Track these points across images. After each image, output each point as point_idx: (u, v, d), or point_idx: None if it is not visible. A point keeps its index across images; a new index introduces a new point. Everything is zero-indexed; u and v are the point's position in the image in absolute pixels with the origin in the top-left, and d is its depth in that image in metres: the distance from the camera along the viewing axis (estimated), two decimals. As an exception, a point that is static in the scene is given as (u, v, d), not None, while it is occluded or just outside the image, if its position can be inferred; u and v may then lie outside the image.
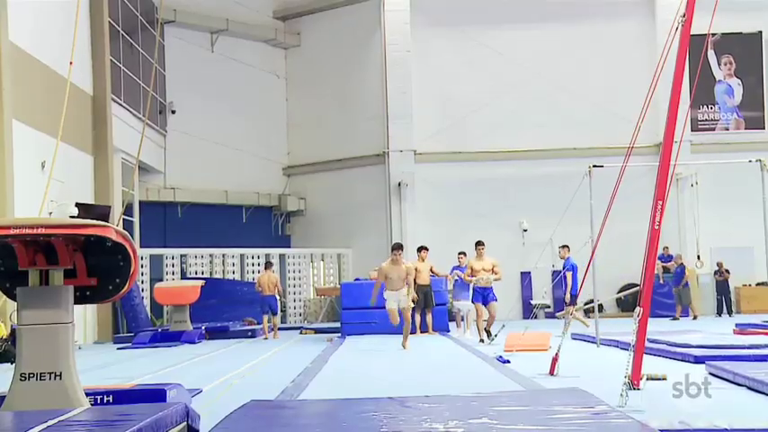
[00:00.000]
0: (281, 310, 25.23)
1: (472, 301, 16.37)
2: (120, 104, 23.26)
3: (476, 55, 27.93)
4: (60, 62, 17.13)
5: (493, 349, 13.79)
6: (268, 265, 22.16)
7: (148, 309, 23.76)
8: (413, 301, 19.81)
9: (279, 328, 22.69)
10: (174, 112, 28.30)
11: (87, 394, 6.41)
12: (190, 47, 28.59)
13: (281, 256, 27.57)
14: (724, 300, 26.11)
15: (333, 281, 28.06)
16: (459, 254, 19.41)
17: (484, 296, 15.85)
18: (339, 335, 19.86)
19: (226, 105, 29.03)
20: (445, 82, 27.89)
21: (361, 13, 28.88)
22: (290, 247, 29.58)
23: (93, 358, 15.14)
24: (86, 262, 6.34)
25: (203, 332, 20.18)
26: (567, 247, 18.14)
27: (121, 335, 21.34)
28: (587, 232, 14.25)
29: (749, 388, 7.94)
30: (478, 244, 16.08)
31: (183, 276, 25.27)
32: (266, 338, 20.88)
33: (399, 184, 27.47)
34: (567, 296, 17.79)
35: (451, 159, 27.58)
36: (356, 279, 23.88)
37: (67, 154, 19.12)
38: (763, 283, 25.66)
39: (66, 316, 6.21)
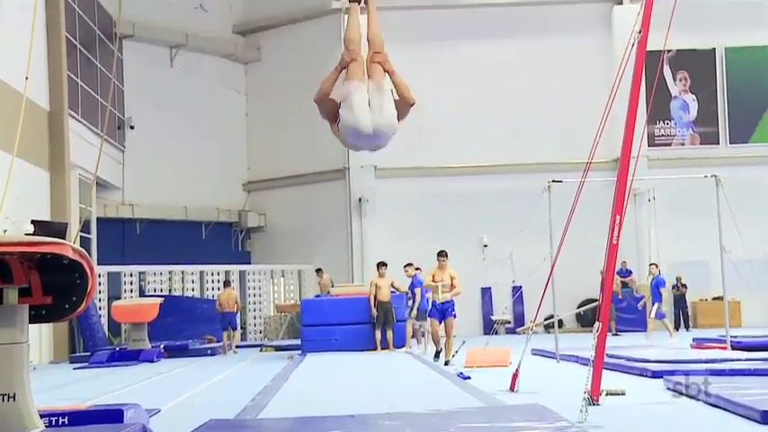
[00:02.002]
0: (241, 327, 25.08)
1: (428, 316, 15.51)
2: (78, 120, 23.02)
3: (437, 70, 28.04)
4: (16, 77, 16.92)
5: (453, 366, 13.80)
6: (227, 283, 22.18)
7: (106, 327, 23.46)
8: (373, 318, 19.91)
9: (239, 346, 22.65)
10: (132, 127, 28.06)
11: (42, 416, 6.30)
12: (149, 61, 28.39)
13: (241, 273, 27.40)
14: (681, 314, 26.39)
15: (293, 297, 27.94)
16: (416, 269, 19.13)
17: (442, 311, 14.72)
18: (300, 352, 19.77)
19: (185, 120, 28.86)
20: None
21: (321, 27, 28.87)
22: (250, 263, 29.40)
23: (49, 378, 14.93)
24: (42, 280, 6.24)
25: (162, 351, 19.95)
26: (412, 264, 19.18)
27: (78, 354, 21.04)
28: (547, 247, 14.34)
29: (706, 402, 8.02)
30: (440, 254, 14.99)
31: (142, 294, 24.99)
32: (225, 354, 20.87)
33: (360, 200, 27.48)
34: (414, 311, 18.62)
35: (412, 174, 27.65)
36: (317, 296, 23.79)
37: (23, 170, 18.89)
38: (719, 298, 25.95)
39: (21, 336, 6.11)
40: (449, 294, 14.62)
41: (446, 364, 14.24)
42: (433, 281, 14.79)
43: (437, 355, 14.95)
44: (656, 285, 19.84)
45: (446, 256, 14.91)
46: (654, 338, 19.36)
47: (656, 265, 20.03)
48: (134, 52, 27.93)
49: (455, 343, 14.87)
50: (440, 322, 14.74)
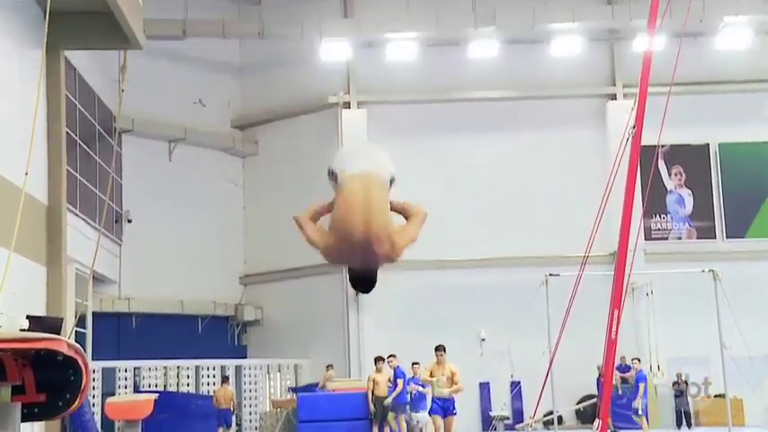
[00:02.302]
0: (237, 423, 24.72)
1: (429, 414, 15.06)
2: (76, 214, 23.08)
3: (433, 163, 28.29)
4: (15, 172, 17.03)
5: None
6: (225, 379, 22.09)
7: (99, 424, 23.10)
8: (371, 413, 19.65)
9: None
10: (130, 221, 28.14)
11: None
12: (147, 155, 28.63)
13: (237, 368, 27.13)
14: (683, 411, 26.02)
15: (289, 393, 27.61)
16: (414, 364, 19.09)
17: (444, 408, 14.45)
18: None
19: (183, 213, 28.95)
20: (401, 190, 27.92)
21: (318, 121, 29.23)
22: (246, 357, 29.14)
23: (40, 476, 14.63)
24: (36, 377, 6.18)
25: (155, 449, 19.65)
26: (395, 356, 19.54)
27: (70, 451, 20.67)
28: (545, 341, 14.27)
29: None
30: (438, 349, 14.64)
31: (136, 389, 24.69)
32: None
33: (357, 294, 27.39)
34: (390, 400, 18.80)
35: (409, 268, 27.48)
36: (313, 386, 23.53)
37: (20, 265, 18.83)
38: (720, 395, 25.62)
39: (13, 435, 6.02)
40: (447, 391, 14.33)
41: None
42: (430, 376, 14.56)
43: None
44: (637, 380, 19.68)
45: (444, 350, 14.59)
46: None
47: (639, 360, 19.86)
48: (133, 146, 28.20)
49: None
50: (442, 417, 14.40)
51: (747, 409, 25.51)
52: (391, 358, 19.32)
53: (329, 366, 24.70)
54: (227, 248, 30.00)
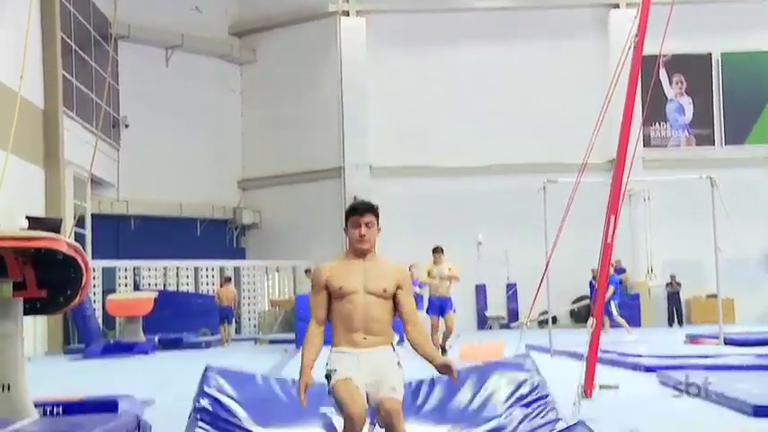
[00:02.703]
0: (236, 321, 25.11)
1: (426, 313, 14.59)
2: (73, 118, 23.00)
3: (432, 71, 28.09)
4: (11, 76, 16.94)
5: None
6: (228, 279, 22.38)
7: (101, 320, 23.46)
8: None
9: (233, 339, 22.75)
10: (127, 126, 28.04)
11: (37, 405, 6.32)
12: (144, 62, 28.34)
13: (236, 269, 27.40)
14: (675, 311, 26.53)
15: (288, 293, 27.96)
16: (410, 267, 19.03)
17: (441, 307, 14.29)
18: (293, 346, 19.78)
19: (180, 120, 28.82)
20: (401, 97, 27.97)
21: (317, 29, 28.90)
22: (244, 259, 29.41)
23: (44, 370, 14.91)
24: (36, 274, 6.26)
25: (156, 343, 20.00)
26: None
27: (73, 346, 21.07)
28: (542, 246, 14.36)
29: (699, 396, 8.06)
30: (435, 251, 14.34)
31: (137, 289, 25.02)
32: (225, 345, 21.56)
33: (355, 198, 27.46)
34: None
35: (407, 174, 27.68)
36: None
37: (18, 167, 18.86)
38: (712, 296, 26.01)
39: (16, 328, 6.13)
40: (447, 287, 14.12)
41: (443, 351, 13.63)
42: (428, 276, 14.33)
43: (443, 351, 14.17)
44: (609, 284, 19.62)
45: (442, 251, 14.35)
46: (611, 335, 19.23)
47: (613, 265, 19.67)
48: (129, 53, 27.89)
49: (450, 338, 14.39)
50: (438, 317, 14.24)
51: (738, 309, 25.89)
52: (411, 268, 19.22)
53: (308, 271, 24.66)
54: (226, 154, 29.97)
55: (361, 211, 4.99)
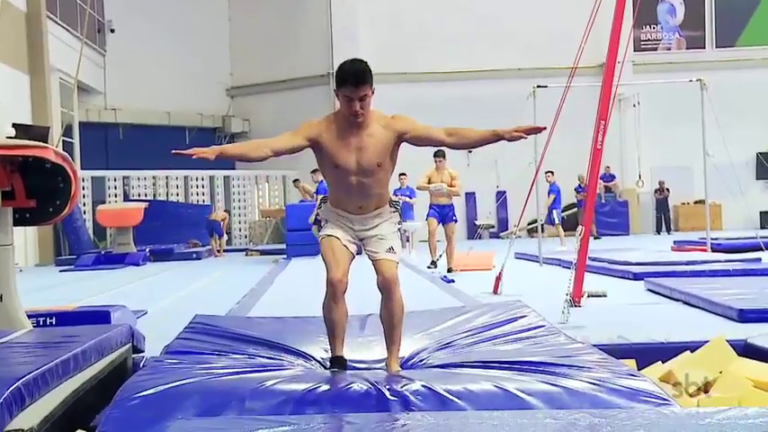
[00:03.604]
0: (227, 232, 25.17)
1: (427, 217, 13.96)
2: (57, 22, 22.62)
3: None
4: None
5: (438, 269, 13.89)
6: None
7: (91, 231, 23.51)
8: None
9: (225, 250, 22.89)
10: (113, 30, 27.63)
11: (29, 316, 6.35)
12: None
13: (226, 179, 27.37)
14: (663, 218, 26.69)
15: (278, 203, 27.98)
16: (400, 175, 18.96)
17: (442, 215, 13.73)
18: (285, 256, 19.89)
19: (167, 25, 28.38)
20: (391, 1, 27.56)
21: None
22: (234, 168, 29.36)
23: (35, 281, 15.00)
24: (25, 183, 6.21)
25: (147, 254, 20.06)
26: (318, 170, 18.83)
27: (63, 257, 21.13)
28: (531, 153, 14.34)
29: (685, 302, 8.16)
30: (437, 155, 13.66)
31: (126, 198, 24.99)
32: (218, 256, 22.04)
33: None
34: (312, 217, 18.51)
35: (397, 80, 27.38)
36: (301, 201, 23.80)
37: (2, 73, 18.65)
38: (700, 201, 26.17)
39: (6, 237, 6.11)
40: (444, 190, 13.58)
41: (449, 271, 13.20)
42: (428, 183, 13.73)
43: (433, 264, 14.15)
44: (550, 192, 19.64)
45: (444, 156, 13.72)
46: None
47: (552, 173, 19.62)
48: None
49: (439, 247, 14.25)
50: (439, 224, 13.76)
51: (725, 215, 26.10)
52: (315, 173, 19.21)
53: (296, 181, 24.63)
54: (213, 60, 29.61)
55: (353, 83, 4.61)
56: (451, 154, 26.08)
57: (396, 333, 4.77)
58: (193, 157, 4.62)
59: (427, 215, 13.99)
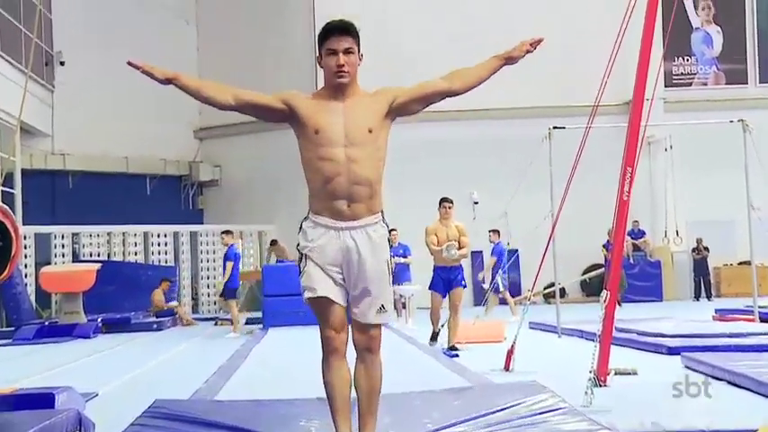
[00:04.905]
0: (192, 298, 25.14)
1: (431, 287, 13.18)
2: (-2, 54, 22.79)
3: (421, 3, 27.88)
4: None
5: (439, 341, 13.77)
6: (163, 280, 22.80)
7: (33, 298, 23.40)
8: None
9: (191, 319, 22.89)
10: (63, 63, 27.79)
11: (-40, 400, 6.28)
12: (80, -13, 28.07)
13: (193, 234, 27.34)
14: (702, 281, 26.60)
15: (253, 263, 27.93)
16: (391, 231, 18.93)
17: (448, 280, 12.91)
18: (260, 326, 19.81)
19: (126, 55, 28.02)
20: (386, 29, 27.74)
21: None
22: (202, 223, 29.36)
23: (-32, 357, 14.89)
24: (-43, 243, 6.19)
25: (99, 325, 19.97)
26: (231, 232, 19.13)
27: (0, 329, 21.01)
28: (547, 205, 14.36)
29: (730, 382, 8.10)
30: (445, 201, 13.14)
31: (76, 259, 24.93)
32: (184, 324, 22.24)
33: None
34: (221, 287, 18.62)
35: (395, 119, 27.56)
36: (279, 261, 23.79)
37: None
38: (745, 262, 26.14)
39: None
40: (455, 252, 12.77)
41: (452, 348, 12.59)
42: (437, 243, 12.88)
43: (434, 337, 13.62)
44: (492, 253, 19.72)
45: (452, 204, 13.24)
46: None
47: (497, 232, 19.78)
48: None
49: (442, 316, 13.55)
50: (443, 296, 13.10)
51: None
52: (225, 235, 19.12)
53: (274, 243, 24.74)
54: (180, 97, 29.32)
55: (338, 33, 4.70)
56: (457, 205, 26.17)
57: (375, 403, 4.77)
58: (140, 70, 4.77)
59: (431, 284, 13.18)
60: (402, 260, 17.81)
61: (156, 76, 4.69)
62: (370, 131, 4.67)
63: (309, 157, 4.82)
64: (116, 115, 28.04)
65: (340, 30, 4.69)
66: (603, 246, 23.77)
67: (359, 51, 4.80)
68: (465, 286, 13.30)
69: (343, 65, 4.69)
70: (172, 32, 29.80)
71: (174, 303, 23.10)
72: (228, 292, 18.50)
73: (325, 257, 4.74)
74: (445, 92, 4.80)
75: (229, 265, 18.12)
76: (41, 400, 6.95)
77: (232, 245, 18.63)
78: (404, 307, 19.10)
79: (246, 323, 21.24)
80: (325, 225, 4.77)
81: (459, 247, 12.85)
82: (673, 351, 10.61)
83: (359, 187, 4.70)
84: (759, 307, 14.86)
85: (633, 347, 11.60)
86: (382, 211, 4.89)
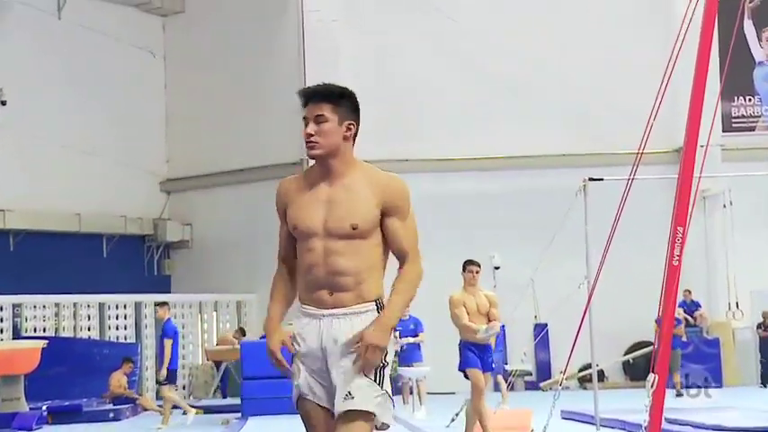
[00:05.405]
0: (157, 382, 24.96)
1: (467, 365, 12.38)
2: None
3: (428, 28, 27.97)
4: None
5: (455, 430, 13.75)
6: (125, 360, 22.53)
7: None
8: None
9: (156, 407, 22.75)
10: (4, 103, 27.91)
11: None
12: (27, 11, 28.22)
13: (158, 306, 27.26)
14: (771, 364, 26.46)
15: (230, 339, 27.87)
16: (158, 304, 18.98)
17: (482, 359, 12.43)
18: (239, 415, 19.72)
19: (79, 95, 28.68)
20: (386, 64, 27.90)
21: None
22: (169, 291, 29.28)
23: None
24: None
25: (44, 414, 19.90)
26: (167, 304, 19.35)
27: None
28: (582, 270, 14.35)
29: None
30: (471, 264, 12.80)
31: (17, 335, 24.86)
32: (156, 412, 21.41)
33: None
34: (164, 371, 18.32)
35: (395, 170, 27.31)
36: (262, 336, 23.73)
37: None
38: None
39: None
40: (483, 329, 12.34)
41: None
42: (466, 313, 12.43)
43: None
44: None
45: (479, 266, 12.91)
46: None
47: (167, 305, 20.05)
48: (7, 3, 27.81)
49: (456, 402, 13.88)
50: (484, 372, 12.46)
51: None
52: (161, 306, 19.32)
53: (239, 331, 24.84)
54: (143, 143, 29.86)
55: (312, 99, 4.83)
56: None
57: None
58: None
59: (464, 362, 12.49)
60: (412, 340, 17.81)
61: (284, 342, 4.92)
62: (355, 228, 4.75)
63: (298, 247, 5.02)
64: (67, 163, 28.06)
65: (313, 95, 4.83)
66: (655, 321, 23.69)
67: (347, 119, 4.86)
68: (498, 372, 13.01)
69: (311, 134, 4.85)
70: (135, 66, 29.98)
71: (133, 394, 22.95)
72: (171, 374, 18.45)
73: (306, 347, 4.87)
74: (395, 255, 4.88)
75: (168, 343, 18.07)
76: None
77: (169, 319, 18.79)
78: (411, 393, 19.02)
79: (220, 412, 21.15)
80: (310, 314, 4.89)
81: (488, 320, 12.46)
82: (735, 447, 10.56)
83: (341, 278, 4.81)
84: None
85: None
86: (381, 299, 4.90)
